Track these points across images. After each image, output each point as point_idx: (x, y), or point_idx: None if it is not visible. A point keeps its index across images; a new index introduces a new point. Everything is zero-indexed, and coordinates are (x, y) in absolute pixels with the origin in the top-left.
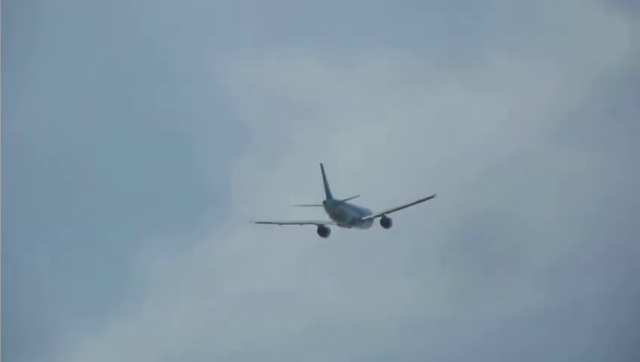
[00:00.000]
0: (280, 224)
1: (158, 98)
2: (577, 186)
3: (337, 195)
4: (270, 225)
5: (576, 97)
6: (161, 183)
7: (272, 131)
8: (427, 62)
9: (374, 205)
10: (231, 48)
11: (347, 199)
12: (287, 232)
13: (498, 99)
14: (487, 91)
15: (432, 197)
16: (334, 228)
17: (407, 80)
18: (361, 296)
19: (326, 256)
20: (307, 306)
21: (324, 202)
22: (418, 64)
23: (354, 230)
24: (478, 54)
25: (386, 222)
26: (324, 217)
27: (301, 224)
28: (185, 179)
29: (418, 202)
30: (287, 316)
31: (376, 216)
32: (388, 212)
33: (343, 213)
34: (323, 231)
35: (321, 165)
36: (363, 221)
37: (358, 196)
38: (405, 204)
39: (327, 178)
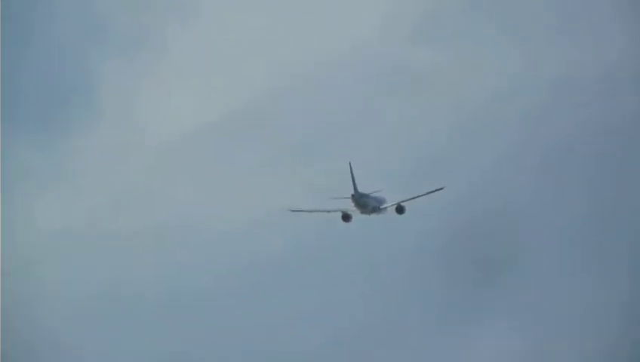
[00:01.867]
0: (311, 211)
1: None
2: (439, 84)
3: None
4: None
5: None
6: (27, 80)
7: (139, 30)
8: None
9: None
10: None
11: (372, 193)
12: (144, 134)
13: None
14: None
15: (441, 189)
16: (355, 215)
17: None
18: (216, 193)
19: (184, 155)
20: (166, 202)
21: (353, 195)
22: None
23: (373, 216)
24: None
25: (400, 209)
26: (348, 206)
27: (328, 212)
28: (52, 79)
29: (428, 193)
30: (146, 212)
31: (392, 205)
32: (402, 201)
33: (366, 204)
34: (346, 217)
35: (350, 163)
36: (381, 209)
37: (381, 190)
38: (416, 195)
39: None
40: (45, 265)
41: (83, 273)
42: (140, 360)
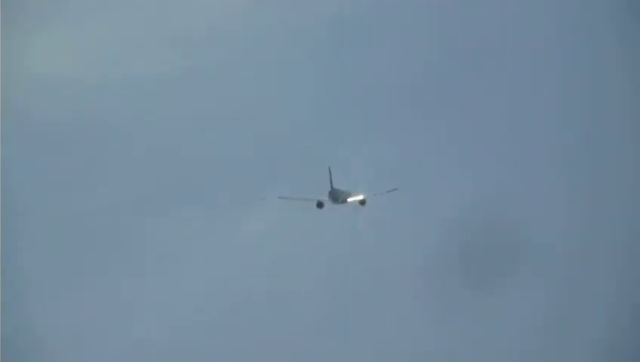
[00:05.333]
0: (295, 199)
1: None
2: None
3: None
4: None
5: None
6: None
7: None
8: None
9: None
10: None
11: (343, 189)
12: None
13: None
14: None
15: (395, 189)
16: (327, 203)
17: None
18: None
19: None
20: None
21: (330, 191)
22: None
23: (342, 205)
24: None
25: (362, 202)
26: (321, 196)
27: (307, 200)
28: None
29: (386, 192)
30: None
31: (356, 199)
32: (365, 197)
33: (339, 197)
34: (320, 205)
35: (329, 168)
36: (348, 201)
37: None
38: (375, 193)
39: None
40: None
41: None
42: None
